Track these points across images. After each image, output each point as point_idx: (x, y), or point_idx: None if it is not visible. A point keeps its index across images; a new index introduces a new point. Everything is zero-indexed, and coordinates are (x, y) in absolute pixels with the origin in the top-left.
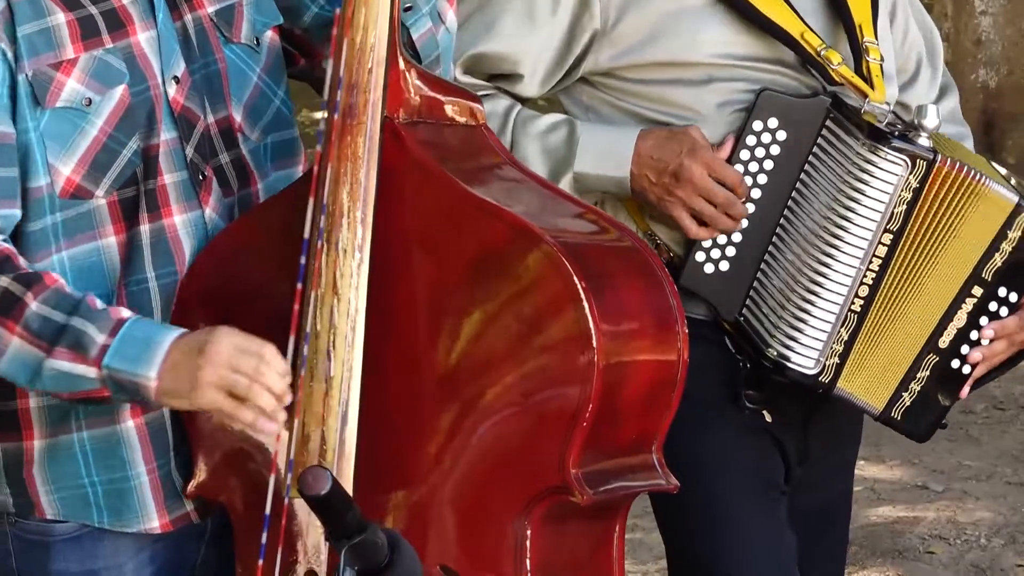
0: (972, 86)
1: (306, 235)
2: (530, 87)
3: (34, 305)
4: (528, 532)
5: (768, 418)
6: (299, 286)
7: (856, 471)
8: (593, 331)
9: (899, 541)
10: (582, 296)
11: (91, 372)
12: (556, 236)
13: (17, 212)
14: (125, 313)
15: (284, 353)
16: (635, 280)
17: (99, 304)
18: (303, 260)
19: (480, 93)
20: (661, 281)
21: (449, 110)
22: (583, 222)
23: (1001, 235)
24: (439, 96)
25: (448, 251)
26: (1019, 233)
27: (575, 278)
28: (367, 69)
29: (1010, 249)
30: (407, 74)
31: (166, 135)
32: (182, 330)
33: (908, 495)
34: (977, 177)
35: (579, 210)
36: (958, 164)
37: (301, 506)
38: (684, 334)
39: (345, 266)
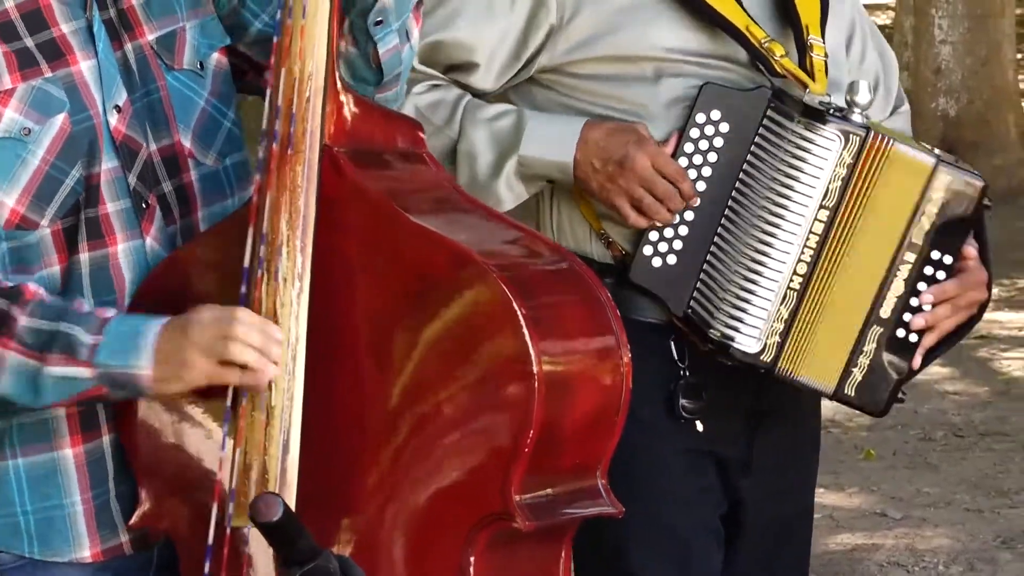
0: (932, 114)
1: (246, 264)
2: (485, 79)
3: (23, 319)
4: (472, 559)
5: (700, 427)
6: None
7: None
8: (533, 358)
9: (858, 568)
10: (522, 323)
11: (85, 372)
12: (496, 262)
13: None
14: (110, 312)
15: (224, 387)
16: (577, 306)
17: (85, 307)
18: (243, 289)
19: (433, 83)
20: (604, 307)
21: (390, 137)
22: (524, 247)
23: (923, 197)
24: (379, 124)
25: (388, 279)
26: (941, 194)
27: (514, 305)
28: (304, 98)
29: (936, 211)
30: (346, 102)
31: (108, 164)
32: (166, 319)
33: (866, 522)
34: (888, 142)
35: (521, 235)
36: (886, 137)
37: (250, 534)
38: (628, 359)
39: (285, 295)
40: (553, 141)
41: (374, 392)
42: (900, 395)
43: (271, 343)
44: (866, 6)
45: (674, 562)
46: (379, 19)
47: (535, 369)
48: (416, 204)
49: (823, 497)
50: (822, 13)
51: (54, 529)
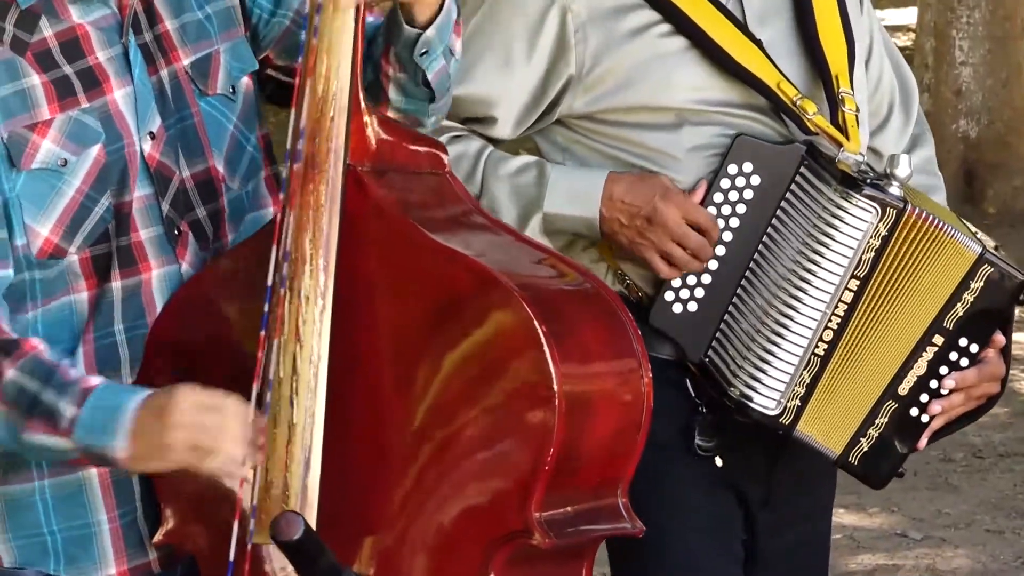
0: (953, 136)
1: (269, 282)
2: (504, 130)
3: (11, 372)
4: None
5: (719, 463)
6: (262, 333)
7: (835, 519)
8: (554, 376)
9: None
10: (543, 341)
11: (65, 444)
12: (518, 282)
13: (10, 273)
14: (94, 381)
15: (247, 400)
16: (598, 325)
17: (72, 374)
18: (266, 308)
19: (453, 135)
20: (625, 326)
21: (413, 158)
22: (546, 268)
23: (963, 285)
24: (403, 144)
25: (411, 298)
26: (981, 284)
27: (535, 323)
28: (328, 117)
29: (972, 299)
30: (370, 122)
31: (141, 191)
32: (146, 394)
33: (887, 543)
34: (941, 226)
35: (542, 256)
36: (925, 213)
37: (271, 551)
38: (648, 379)
39: (308, 313)
40: (577, 197)
41: (395, 409)
42: (900, 471)
43: (259, 435)
44: (886, 27)
45: None
46: (424, 50)
47: (556, 388)
48: (438, 223)
49: (844, 517)
50: (849, 57)
51: (81, 548)
